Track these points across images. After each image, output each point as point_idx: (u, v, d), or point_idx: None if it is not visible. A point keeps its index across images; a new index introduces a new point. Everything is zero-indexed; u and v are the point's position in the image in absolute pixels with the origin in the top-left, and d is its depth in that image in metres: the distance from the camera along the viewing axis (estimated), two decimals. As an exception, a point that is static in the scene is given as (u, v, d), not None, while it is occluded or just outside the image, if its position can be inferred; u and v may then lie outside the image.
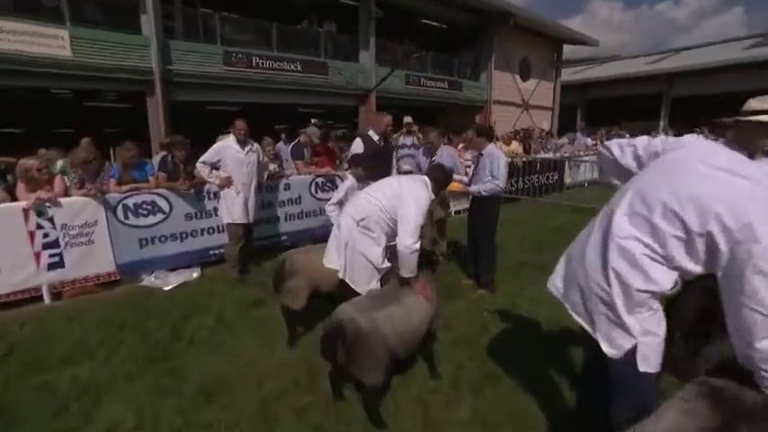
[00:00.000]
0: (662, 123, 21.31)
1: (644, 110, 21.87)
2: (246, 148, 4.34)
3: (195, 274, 4.61)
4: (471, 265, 4.30)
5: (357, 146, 4.58)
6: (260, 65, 10.36)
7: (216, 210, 4.74)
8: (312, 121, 5.92)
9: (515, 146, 9.02)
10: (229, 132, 4.45)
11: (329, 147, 6.55)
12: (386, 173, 4.55)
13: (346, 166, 5.17)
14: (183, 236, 4.72)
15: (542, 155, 9.66)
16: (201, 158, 4.26)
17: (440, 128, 4.78)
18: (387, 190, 2.87)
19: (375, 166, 4.12)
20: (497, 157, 3.85)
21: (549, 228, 6.70)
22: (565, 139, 10.84)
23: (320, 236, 5.93)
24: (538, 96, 18.42)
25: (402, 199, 2.75)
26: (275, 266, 3.25)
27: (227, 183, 4.25)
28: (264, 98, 11.00)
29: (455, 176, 3.66)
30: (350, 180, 3.89)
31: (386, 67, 12.47)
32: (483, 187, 3.85)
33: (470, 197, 4.15)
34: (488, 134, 4.10)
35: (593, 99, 24.29)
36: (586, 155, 10.49)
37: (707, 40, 29.91)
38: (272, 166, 5.36)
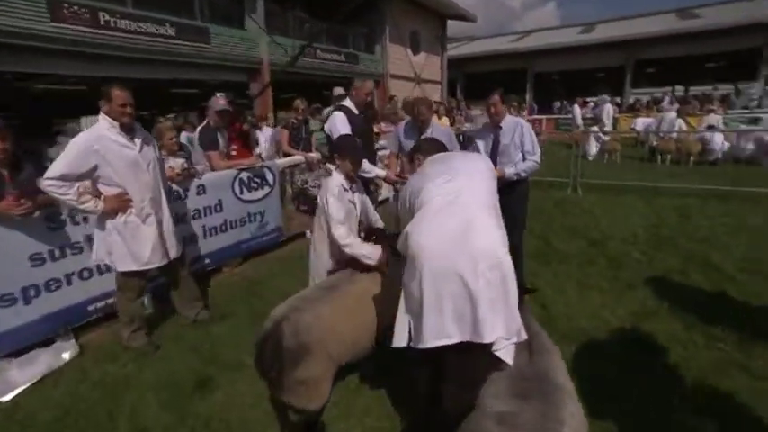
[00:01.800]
0: (528, 96, 23.36)
1: (513, 84, 23.62)
2: (139, 139, 2.50)
3: (67, 354, 2.67)
4: None
5: (342, 124, 2.99)
6: (111, 25, 7.51)
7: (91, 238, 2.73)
8: (217, 94, 4.03)
9: (445, 120, 8.27)
10: (89, 116, 2.55)
11: (243, 130, 4.78)
12: (371, 161, 3.20)
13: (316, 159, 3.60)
14: (31, 293, 2.69)
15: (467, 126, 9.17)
16: (53, 171, 2.25)
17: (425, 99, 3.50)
18: None
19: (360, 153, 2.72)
20: (527, 127, 2.87)
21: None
22: (478, 111, 10.60)
23: (255, 250, 4.35)
24: (428, 71, 18.20)
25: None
26: (258, 342, 1.78)
27: (119, 206, 2.42)
28: (121, 71, 7.97)
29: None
30: (337, 179, 2.47)
31: (275, 35, 10.48)
32: (522, 167, 2.86)
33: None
34: (507, 102, 3.07)
35: (470, 74, 25.39)
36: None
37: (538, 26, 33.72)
38: (175, 162, 3.50)
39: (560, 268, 3.78)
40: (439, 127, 3.39)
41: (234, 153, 4.17)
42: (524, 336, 1.42)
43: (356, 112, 3.07)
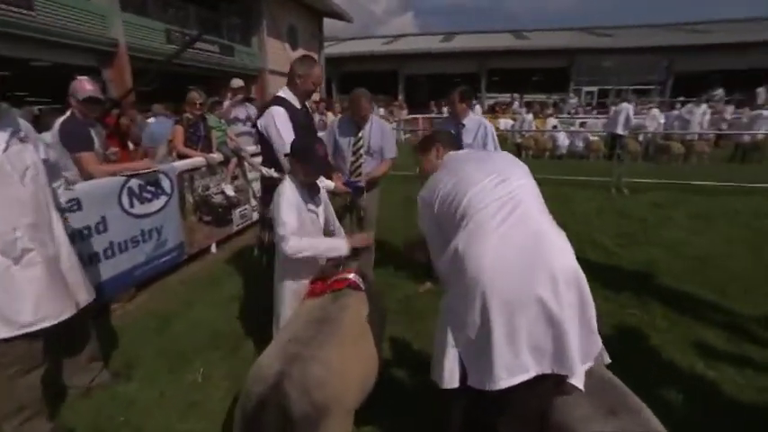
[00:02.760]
0: (400, 97, 24.59)
1: (385, 86, 24.53)
2: (6, 133, 1.60)
3: None
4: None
5: (283, 122, 2.33)
6: None
7: None
8: (79, 77, 2.99)
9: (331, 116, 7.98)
10: None
11: (120, 124, 3.73)
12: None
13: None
14: None
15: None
16: None
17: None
18: None
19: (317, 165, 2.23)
20: (490, 127, 2.82)
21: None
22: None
23: (150, 278, 3.43)
24: (307, 68, 17.56)
25: None
26: (249, 415, 1.29)
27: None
28: None
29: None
30: (289, 186, 2.00)
31: (131, 14, 8.68)
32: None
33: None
34: (470, 99, 2.95)
35: (346, 73, 25.45)
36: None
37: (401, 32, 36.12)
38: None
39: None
40: (378, 121, 3.12)
41: (113, 157, 3.20)
42: (607, 359, 1.27)
43: (298, 106, 2.49)
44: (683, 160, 9.52)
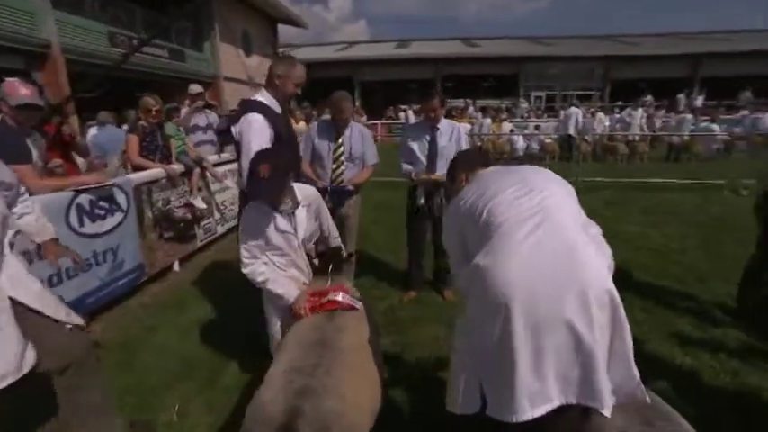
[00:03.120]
0: (357, 103, 24.55)
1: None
2: None
3: None
4: (416, 266, 3.20)
5: (258, 132, 2.09)
6: None
7: None
8: (8, 79, 2.58)
9: (303, 125, 7.73)
10: None
11: (64, 134, 3.32)
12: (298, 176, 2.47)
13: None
14: None
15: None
16: None
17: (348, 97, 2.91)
18: None
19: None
20: (463, 130, 2.78)
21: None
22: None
23: (106, 305, 3.05)
24: (263, 74, 16.99)
25: None
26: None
27: None
28: None
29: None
30: (253, 207, 1.83)
31: (65, 12, 7.93)
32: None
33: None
34: (445, 104, 2.90)
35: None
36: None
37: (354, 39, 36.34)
38: None
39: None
40: (358, 126, 3.00)
41: (60, 170, 2.83)
42: (644, 396, 1.12)
43: (278, 111, 2.28)
44: (627, 160, 10.22)
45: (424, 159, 2.91)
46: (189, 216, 4.01)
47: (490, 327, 1.12)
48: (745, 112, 11.97)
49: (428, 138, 2.87)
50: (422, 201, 2.94)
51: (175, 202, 3.86)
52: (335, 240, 2.19)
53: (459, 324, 1.35)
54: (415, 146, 2.92)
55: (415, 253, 3.17)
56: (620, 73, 22.12)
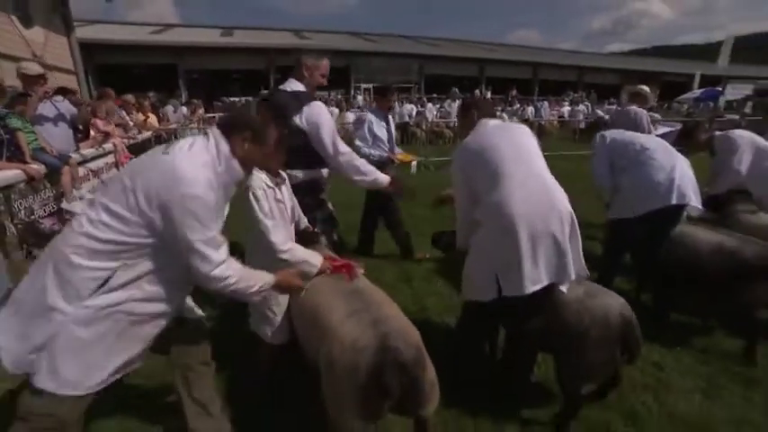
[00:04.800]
0: (184, 95, 21.70)
1: (164, 81, 21.08)
2: None
3: None
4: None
5: (326, 111, 2.39)
6: None
7: None
8: None
9: (154, 120, 6.74)
10: None
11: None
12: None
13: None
14: None
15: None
16: None
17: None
18: None
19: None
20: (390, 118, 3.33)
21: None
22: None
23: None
24: (53, 54, 13.31)
25: None
26: (364, 383, 1.37)
27: None
28: None
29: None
30: (258, 175, 1.89)
31: None
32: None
33: None
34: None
35: (103, 65, 20.44)
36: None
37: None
38: None
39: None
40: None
41: None
42: (587, 273, 1.84)
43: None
44: (452, 142, 12.51)
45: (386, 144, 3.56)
46: (58, 228, 3.27)
47: (503, 240, 1.71)
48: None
49: (384, 123, 3.51)
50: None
51: (39, 211, 3.11)
52: (304, 222, 2.36)
53: (473, 240, 1.90)
54: (374, 122, 3.49)
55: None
56: (432, 69, 26.06)
